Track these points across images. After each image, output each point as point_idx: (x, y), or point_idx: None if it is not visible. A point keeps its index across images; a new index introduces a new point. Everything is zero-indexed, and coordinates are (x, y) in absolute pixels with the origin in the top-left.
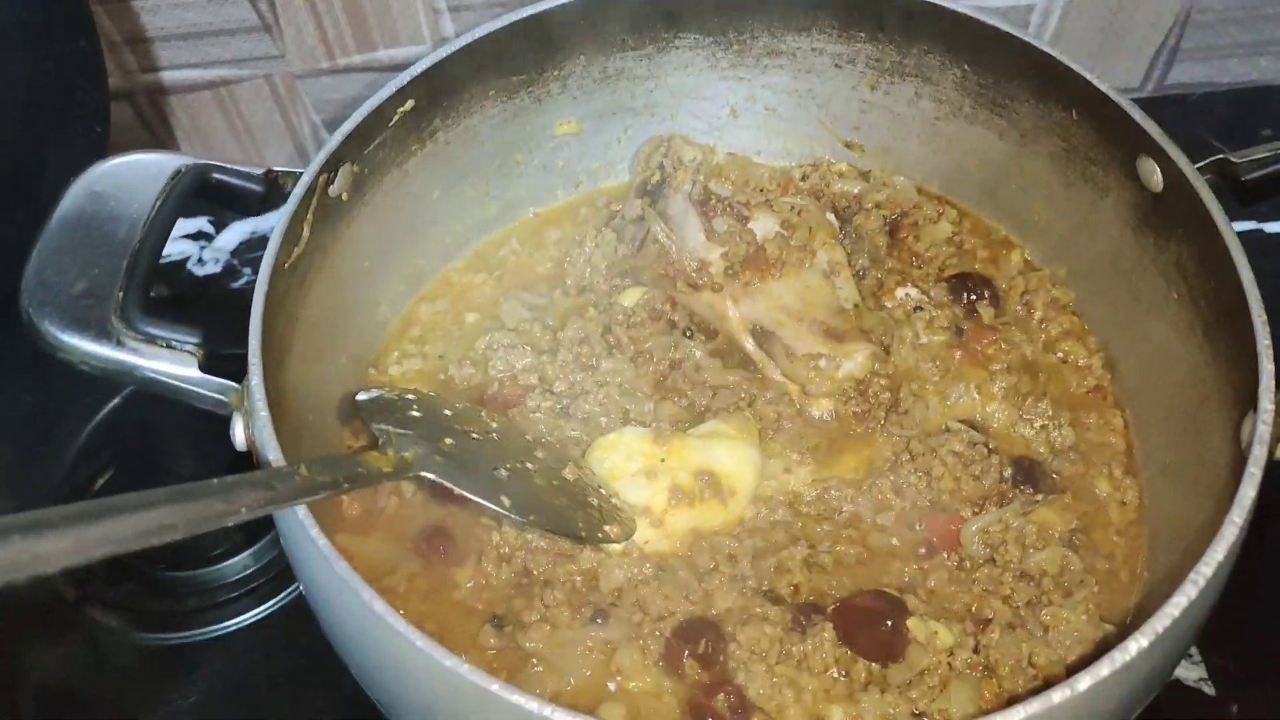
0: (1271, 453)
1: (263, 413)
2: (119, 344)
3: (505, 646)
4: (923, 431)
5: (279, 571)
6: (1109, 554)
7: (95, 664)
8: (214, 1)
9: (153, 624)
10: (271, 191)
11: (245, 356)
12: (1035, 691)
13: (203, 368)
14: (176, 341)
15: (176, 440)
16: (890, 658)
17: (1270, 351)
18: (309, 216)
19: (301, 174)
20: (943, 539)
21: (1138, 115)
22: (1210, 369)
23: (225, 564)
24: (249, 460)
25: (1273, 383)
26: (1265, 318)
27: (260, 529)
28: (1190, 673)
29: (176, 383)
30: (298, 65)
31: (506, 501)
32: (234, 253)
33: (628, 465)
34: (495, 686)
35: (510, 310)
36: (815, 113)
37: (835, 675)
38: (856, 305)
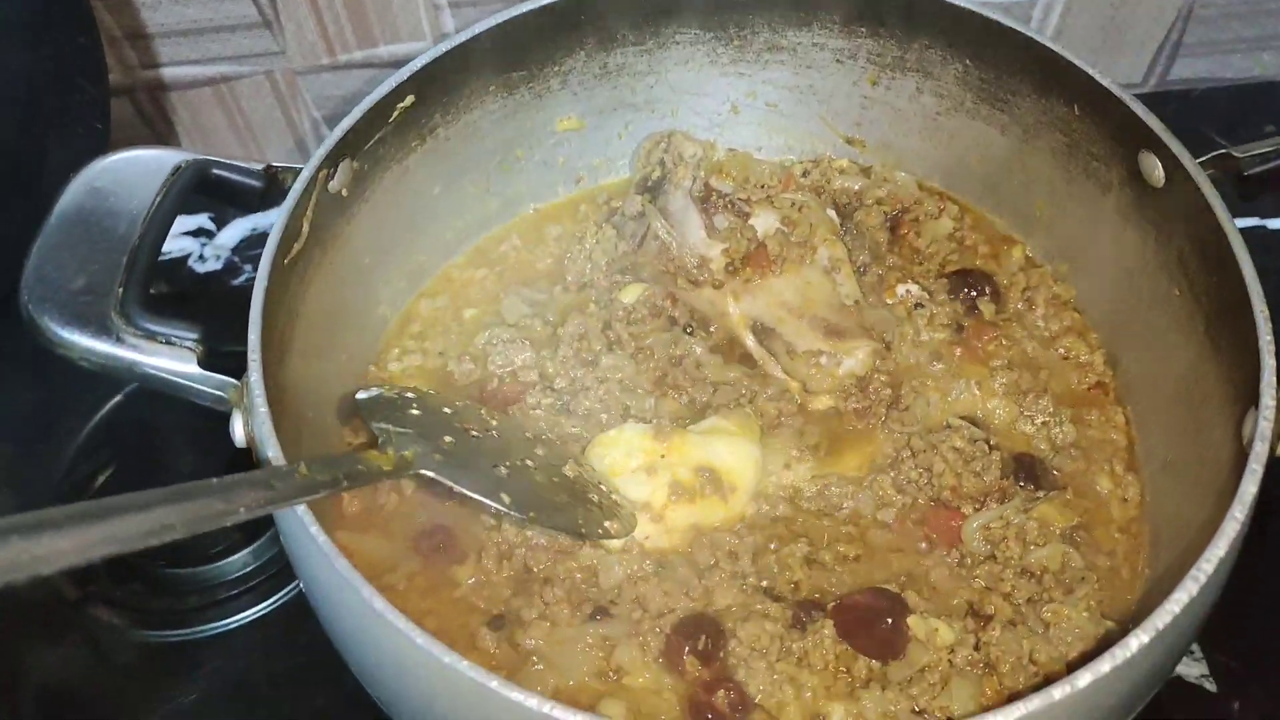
0: (1273, 449)
1: (262, 409)
2: (118, 340)
3: (505, 644)
4: (924, 428)
5: (279, 569)
6: (1110, 551)
7: (96, 662)
8: None
9: (153, 622)
10: (271, 187)
11: (245, 353)
12: (1036, 688)
13: (202, 364)
14: (176, 338)
15: (177, 438)
16: (891, 655)
17: (1272, 347)
18: (309, 212)
19: (301, 170)
20: (943, 535)
21: (1139, 110)
22: (1212, 365)
23: (226, 561)
24: (248, 457)
25: (1274, 379)
26: (1267, 313)
27: (260, 527)
28: (1192, 669)
29: (176, 379)
30: (298, 61)
31: (506, 499)
32: (235, 250)
33: (628, 461)
34: (494, 684)
35: (510, 306)
36: (816, 108)
37: (835, 672)
38: (857, 302)
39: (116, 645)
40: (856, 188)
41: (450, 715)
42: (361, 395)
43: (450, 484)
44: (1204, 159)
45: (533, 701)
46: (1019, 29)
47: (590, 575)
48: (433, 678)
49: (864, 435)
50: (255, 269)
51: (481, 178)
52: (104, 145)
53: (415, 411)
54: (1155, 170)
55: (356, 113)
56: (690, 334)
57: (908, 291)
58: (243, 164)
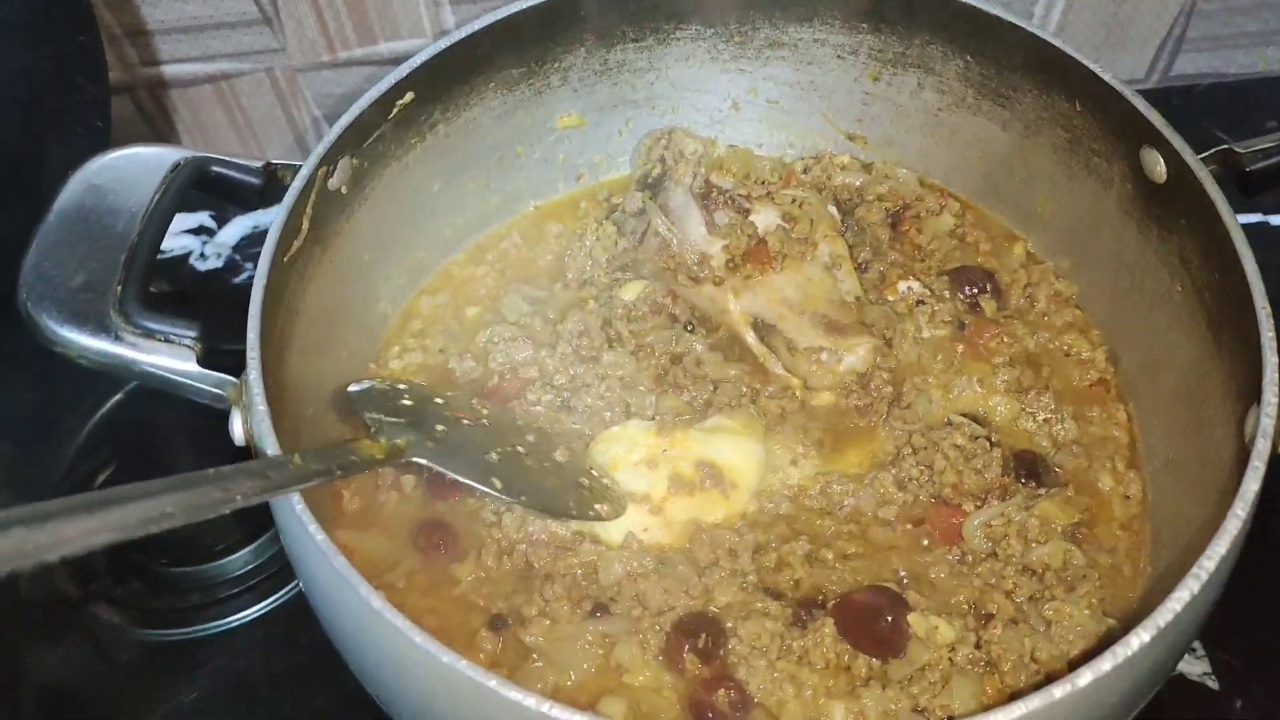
0: (1275, 447)
1: (261, 407)
2: (117, 338)
3: (505, 642)
4: (925, 425)
5: (280, 568)
6: (1112, 548)
7: (97, 661)
8: None
9: (154, 620)
10: (270, 184)
11: (245, 351)
12: (1038, 687)
13: (201, 362)
14: (175, 335)
15: (177, 436)
16: (891, 653)
17: (1274, 344)
18: (308, 210)
19: (300, 167)
20: (944, 533)
21: (1141, 105)
22: (1214, 362)
23: (227, 560)
24: (248, 455)
25: (1276, 375)
26: (1269, 310)
27: (261, 525)
28: (1194, 667)
29: (175, 377)
30: (298, 59)
31: (498, 483)
32: (235, 248)
33: (630, 455)
34: (493, 683)
35: (511, 303)
36: (817, 105)
37: (836, 671)
38: (858, 298)
39: (117, 644)
40: (858, 184)
41: (449, 714)
42: (353, 388)
43: (442, 470)
44: (1206, 155)
45: (531, 701)
46: (1020, 24)
47: (590, 572)
48: (431, 677)
49: (866, 432)
50: (256, 267)
51: (482, 175)
52: (104, 143)
53: (407, 401)
54: (1157, 166)
55: (355, 110)
56: (691, 331)
57: (909, 288)
58: (242, 161)
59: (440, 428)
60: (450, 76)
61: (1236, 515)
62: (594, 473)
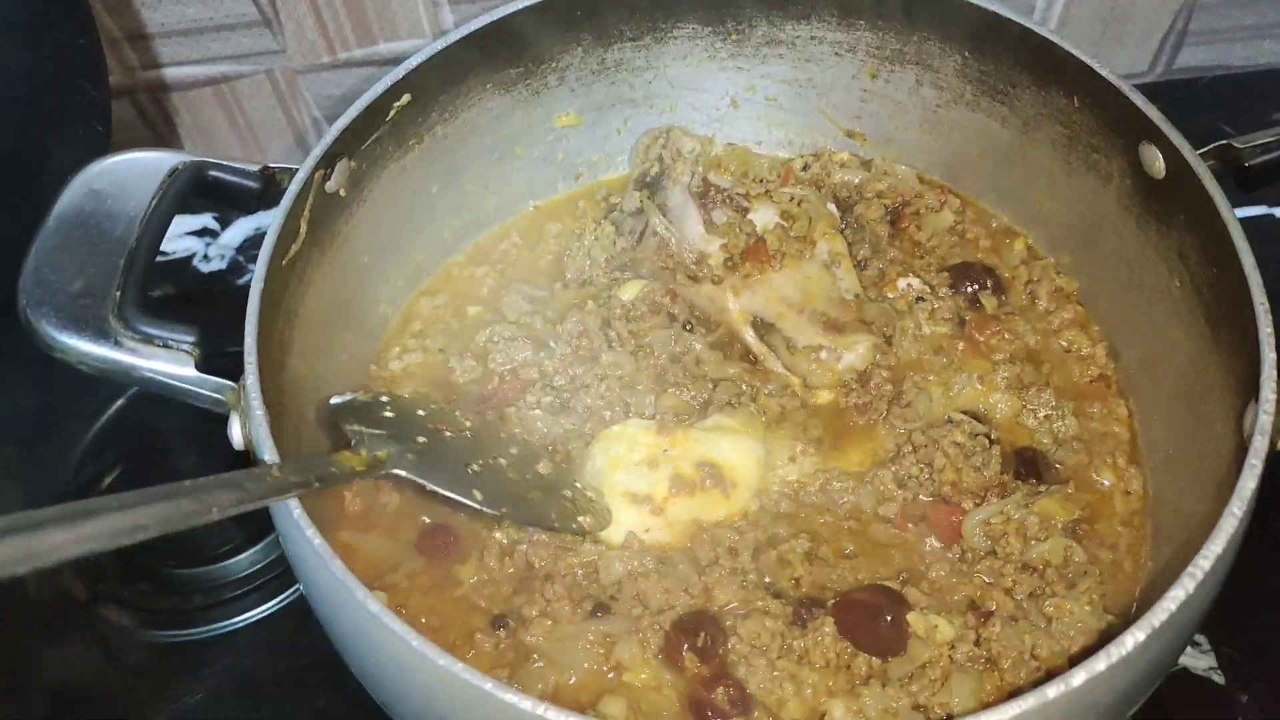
0: (1273, 444)
1: (258, 411)
2: (116, 344)
3: (507, 642)
4: (925, 423)
5: (284, 569)
6: (1113, 544)
7: (105, 661)
8: None
9: (161, 621)
10: (268, 188)
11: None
12: (1038, 684)
13: (200, 367)
14: (173, 341)
15: (182, 439)
16: (891, 651)
17: (1272, 340)
18: (306, 213)
19: (297, 171)
20: (944, 531)
21: (1139, 101)
22: (1213, 357)
23: (232, 561)
24: (247, 459)
25: (1274, 372)
26: (1267, 305)
27: (265, 527)
28: (1199, 662)
29: (173, 382)
30: (298, 60)
31: (479, 495)
32: (239, 249)
33: (631, 455)
34: (488, 685)
35: (511, 303)
36: (816, 102)
37: (836, 669)
38: (858, 296)
39: (125, 645)
40: (857, 181)
41: (448, 716)
42: (335, 400)
43: (422, 482)
44: (1204, 150)
45: (526, 703)
46: (1016, 20)
47: (591, 572)
48: (428, 679)
49: (866, 430)
50: None
51: (480, 175)
52: (105, 147)
53: (389, 414)
54: (1156, 161)
55: (352, 113)
56: (690, 330)
57: (909, 285)
58: (239, 165)
59: (421, 439)
60: (447, 78)
61: (1233, 514)
62: (578, 485)
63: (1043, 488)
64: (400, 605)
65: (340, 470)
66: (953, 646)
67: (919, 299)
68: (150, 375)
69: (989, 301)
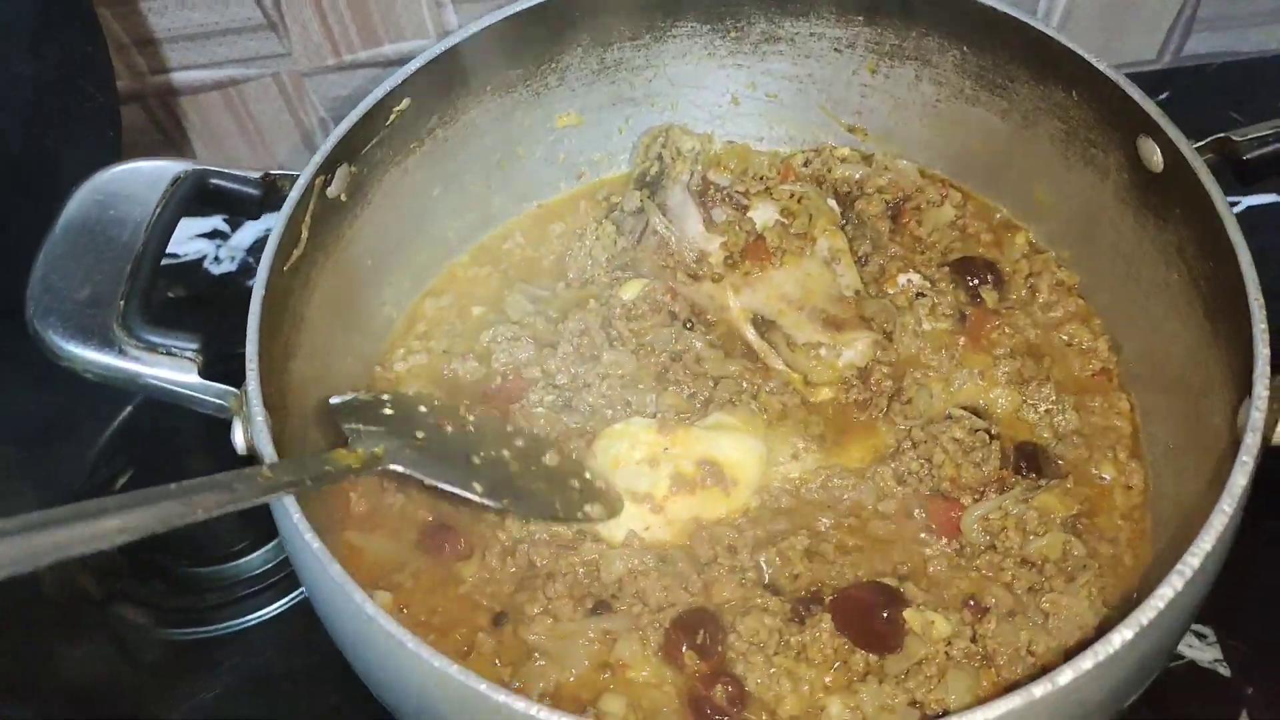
0: (1267, 439)
1: (259, 417)
2: (121, 352)
3: (509, 640)
4: (926, 419)
5: None
6: (1113, 538)
7: (121, 659)
8: (219, 0)
9: (175, 620)
10: (269, 195)
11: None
12: (1035, 679)
13: (203, 373)
14: (176, 348)
15: (196, 439)
16: (888, 648)
17: (1266, 336)
18: (307, 218)
19: (299, 177)
20: (944, 526)
21: (1136, 94)
22: (1212, 351)
23: (244, 560)
24: (251, 464)
25: (1268, 368)
26: (1262, 300)
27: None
28: (1205, 654)
29: (177, 389)
30: (304, 63)
31: (479, 488)
32: (249, 250)
33: (632, 453)
34: (482, 686)
35: (514, 303)
36: (816, 98)
37: (833, 666)
38: (858, 292)
39: (140, 643)
40: (858, 176)
41: (446, 717)
42: (334, 400)
43: (420, 476)
44: (1202, 144)
45: (520, 704)
46: (1013, 14)
47: (592, 569)
48: (426, 680)
49: (867, 426)
50: None
51: (483, 176)
52: (116, 152)
53: (388, 411)
54: (1154, 155)
55: (350, 119)
56: (690, 329)
57: (909, 281)
58: (240, 173)
59: (420, 434)
60: (446, 81)
61: (1223, 511)
62: (588, 476)
63: (1042, 482)
64: (404, 604)
65: (335, 468)
66: (949, 643)
67: (919, 294)
68: (154, 383)
69: (989, 296)
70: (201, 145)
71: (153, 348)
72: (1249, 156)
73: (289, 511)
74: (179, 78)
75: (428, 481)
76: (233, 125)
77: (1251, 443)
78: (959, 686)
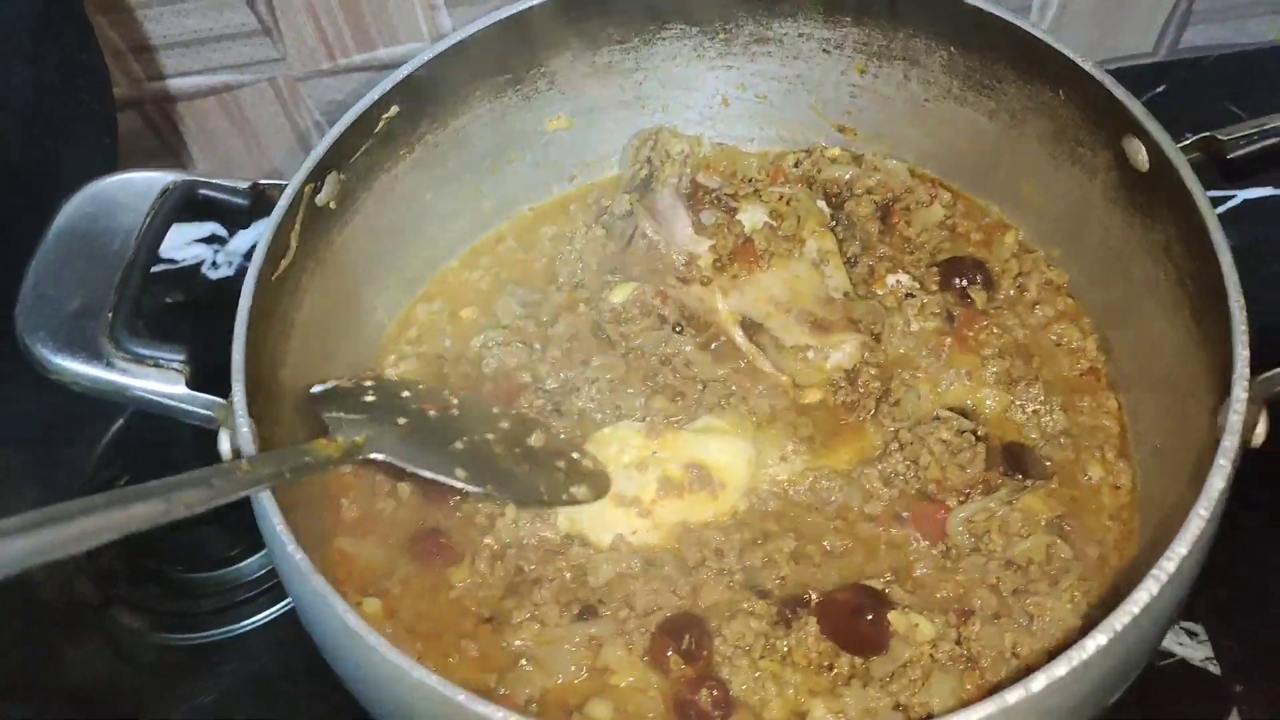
0: (1246, 442)
1: (244, 429)
2: (109, 365)
3: (497, 645)
4: (914, 420)
5: None
6: (1100, 539)
7: (118, 664)
8: (214, 7)
9: (171, 625)
10: (258, 204)
11: None
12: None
13: (190, 384)
14: (164, 359)
15: (195, 442)
16: (873, 651)
17: (1246, 338)
18: (296, 227)
19: (287, 186)
20: (929, 528)
21: (1120, 93)
22: (1199, 350)
23: (242, 564)
24: None
25: (1247, 370)
26: (1243, 302)
27: None
28: (1196, 652)
29: (164, 400)
30: (298, 68)
31: (462, 473)
32: (248, 255)
33: (620, 457)
34: (461, 697)
35: (505, 307)
36: (806, 98)
37: (818, 669)
38: (846, 294)
39: (137, 648)
40: (847, 177)
41: None
42: (316, 389)
43: (401, 464)
44: (1186, 143)
45: (499, 714)
46: (998, 14)
47: (580, 574)
48: (406, 691)
49: (856, 428)
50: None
51: (474, 181)
52: (112, 159)
53: (370, 398)
54: (1139, 155)
55: (338, 128)
56: (680, 332)
57: (898, 282)
58: (228, 183)
59: (403, 420)
60: (435, 87)
61: (1199, 515)
62: (574, 455)
63: (1028, 483)
64: (393, 611)
65: (315, 458)
66: (934, 645)
67: (908, 295)
68: (141, 394)
69: (978, 296)
70: (198, 150)
71: (140, 359)
72: (1234, 155)
73: (272, 520)
74: (175, 84)
75: (408, 469)
76: (229, 130)
77: (1229, 446)
78: (943, 689)
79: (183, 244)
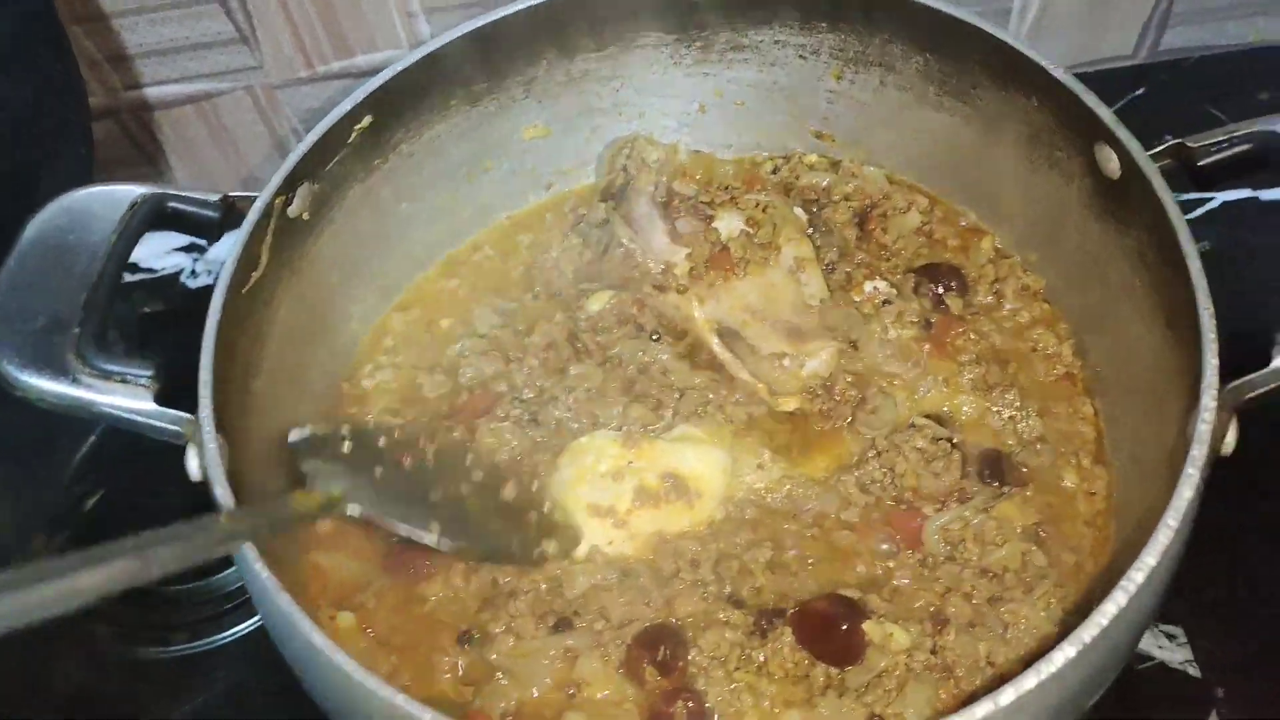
0: (1215, 450)
1: (211, 446)
2: (75, 381)
3: (472, 659)
4: (890, 428)
5: None
6: (1075, 546)
7: (96, 677)
8: (191, 16)
9: (150, 638)
10: (229, 216)
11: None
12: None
13: (158, 400)
14: (131, 375)
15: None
16: (848, 660)
17: (1215, 346)
18: (268, 238)
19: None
20: (905, 537)
21: (1091, 100)
22: (1173, 357)
23: (219, 576)
24: (205, 490)
25: (1216, 378)
26: (1212, 309)
27: None
28: (1175, 655)
29: (131, 416)
30: (276, 76)
31: (436, 528)
32: None
33: (596, 467)
34: (428, 716)
35: (482, 316)
36: (783, 105)
37: (794, 680)
38: (823, 301)
39: (116, 661)
40: (824, 184)
41: None
42: (293, 437)
43: (378, 522)
44: (1156, 150)
45: None
46: (970, 20)
47: (555, 586)
48: (373, 710)
49: (832, 436)
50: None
51: (449, 190)
52: (89, 170)
53: (347, 445)
54: (1110, 162)
55: (310, 139)
56: (657, 340)
57: (875, 289)
58: (198, 195)
59: (379, 470)
60: (409, 97)
61: (1168, 525)
62: (546, 509)
63: (1004, 491)
64: (367, 625)
65: (294, 512)
66: (909, 655)
67: (885, 302)
68: (108, 410)
69: (954, 302)
70: (176, 159)
71: (107, 375)
72: (1204, 163)
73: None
74: (152, 93)
75: (385, 525)
76: (207, 139)
77: (1198, 455)
78: (918, 699)
79: (162, 253)
